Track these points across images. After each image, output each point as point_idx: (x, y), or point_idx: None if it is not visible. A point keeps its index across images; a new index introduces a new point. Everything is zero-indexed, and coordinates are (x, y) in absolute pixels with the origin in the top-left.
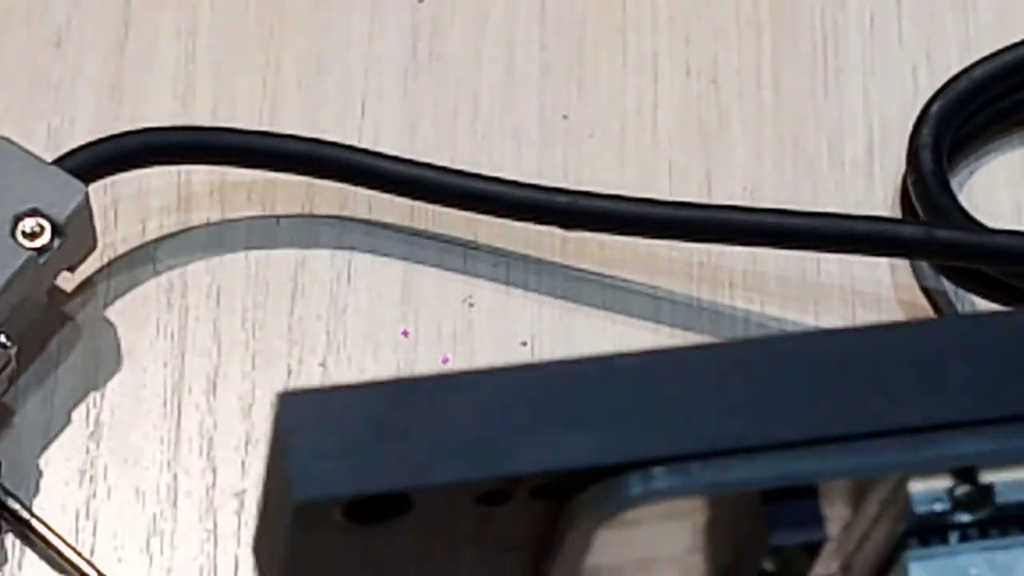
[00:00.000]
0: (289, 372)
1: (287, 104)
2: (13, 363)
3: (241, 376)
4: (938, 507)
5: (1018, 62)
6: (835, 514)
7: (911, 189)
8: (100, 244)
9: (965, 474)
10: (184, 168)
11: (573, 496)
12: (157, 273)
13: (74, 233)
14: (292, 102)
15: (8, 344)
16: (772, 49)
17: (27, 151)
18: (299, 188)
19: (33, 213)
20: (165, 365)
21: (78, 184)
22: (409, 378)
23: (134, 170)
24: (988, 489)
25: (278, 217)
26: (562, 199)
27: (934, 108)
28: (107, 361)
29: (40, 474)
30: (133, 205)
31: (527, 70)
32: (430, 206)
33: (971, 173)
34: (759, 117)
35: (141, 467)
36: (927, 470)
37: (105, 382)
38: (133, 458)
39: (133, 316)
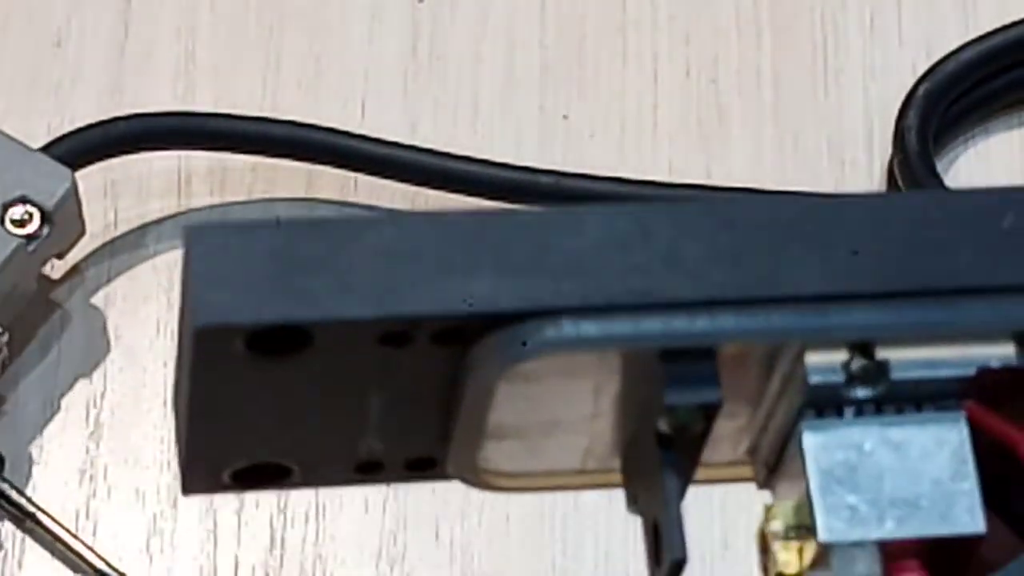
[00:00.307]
0: None
1: (287, 104)
2: (4, 351)
3: None
4: (833, 379)
5: (1006, 45)
6: (739, 388)
7: (896, 170)
8: (97, 230)
9: (861, 348)
10: (183, 153)
11: (474, 344)
12: (154, 260)
13: (62, 220)
14: (292, 102)
15: (3, 337)
16: (772, 49)
17: (13, 138)
18: (300, 174)
19: (21, 201)
20: (165, 365)
21: (65, 171)
22: (317, 219)
23: (122, 156)
24: (883, 365)
25: (277, 200)
26: (545, 180)
27: (920, 90)
28: (97, 348)
29: (32, 463)
30: (128, 190)
31: (527, 70)
32: (432, 192)
33: (958, 155)
34: (759, 117)
35: (141, 467)
36: (823, 341)
37: (95, 369)
38: (133, 458)
39: (128, 304)
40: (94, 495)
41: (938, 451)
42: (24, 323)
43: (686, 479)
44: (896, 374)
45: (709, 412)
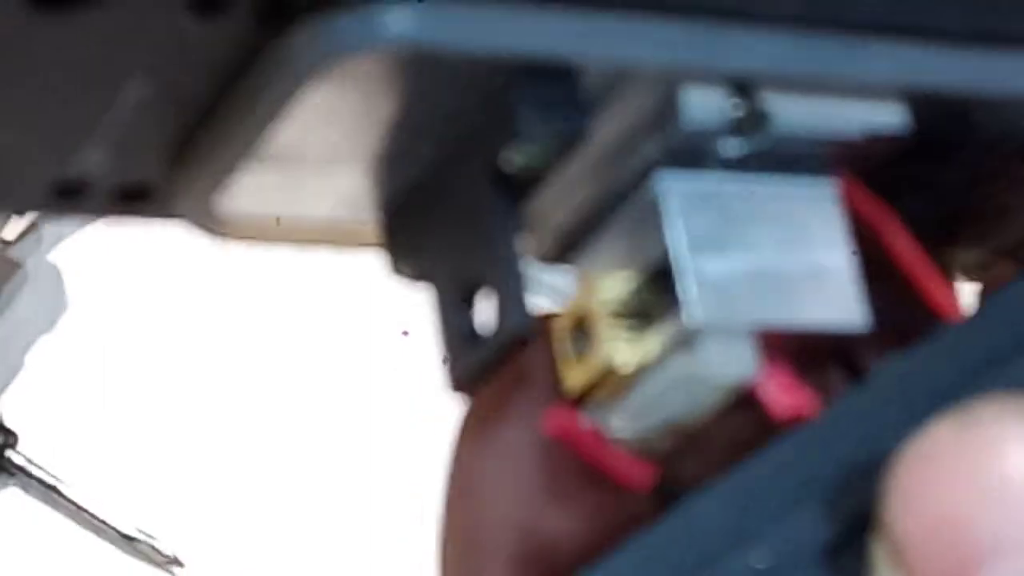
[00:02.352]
0: None
1: None
2: None
3: None
4: (708, 123)
5: None
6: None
7: None
8: None
9: (743, 89)
10: None
11: (298, 25)
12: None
13: None
14: None
15: None
16: None
17: None
18: None
19: None
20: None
21: None
22: None
23: None
24: (763, 114)
25: None
26: None
27: None
28: (56, 304)
29: None
30: None
31: None
32: None
33: None
34: None
35: None
36: (700, 74)
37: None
38: None
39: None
40: None
41: (813, 224)
42: None
43: (518, 231)
44: (778, 125)
45: (564, 146)
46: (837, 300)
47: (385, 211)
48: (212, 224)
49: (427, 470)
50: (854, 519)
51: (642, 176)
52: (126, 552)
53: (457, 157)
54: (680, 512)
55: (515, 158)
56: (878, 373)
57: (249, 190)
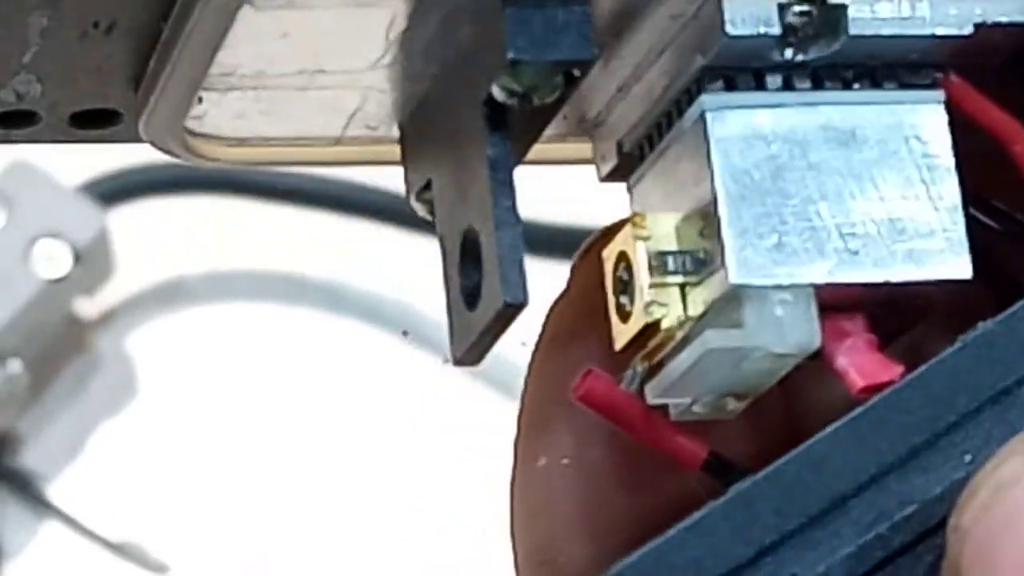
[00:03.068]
0: None
1: None
2: (23, 390)
3: None
4: (761, 31)
5: None
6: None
7: None
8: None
9: None
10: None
11: None
12: (190, 310)
13: (92, 260)
14: None
15: (20, 371)
16: None
17: (49, 176)
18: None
19: (52, 237)
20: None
21: (98, 211)
22: None
23: (157, 199)
24: (836, 12)
25: None
26: None
27: None
28: (126, 391)
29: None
30: (163, 235)
31: None
32: None
33: None
34: None
35: None
36: None
37: (119, 411)
38: None
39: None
40: None
41: (906, 150)
42: (50, 360)
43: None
44: (855, 28)
45: (572, 74)
46: (935, 247)
47: (401, 129)
48: (190, 149)
49: (426, 478)
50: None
51: (688, 98)
52: (115, 555)
53: (455, 80)
54: (733, 502)
55: (509, 89)
56: (975, 339)
57: (222, 113)
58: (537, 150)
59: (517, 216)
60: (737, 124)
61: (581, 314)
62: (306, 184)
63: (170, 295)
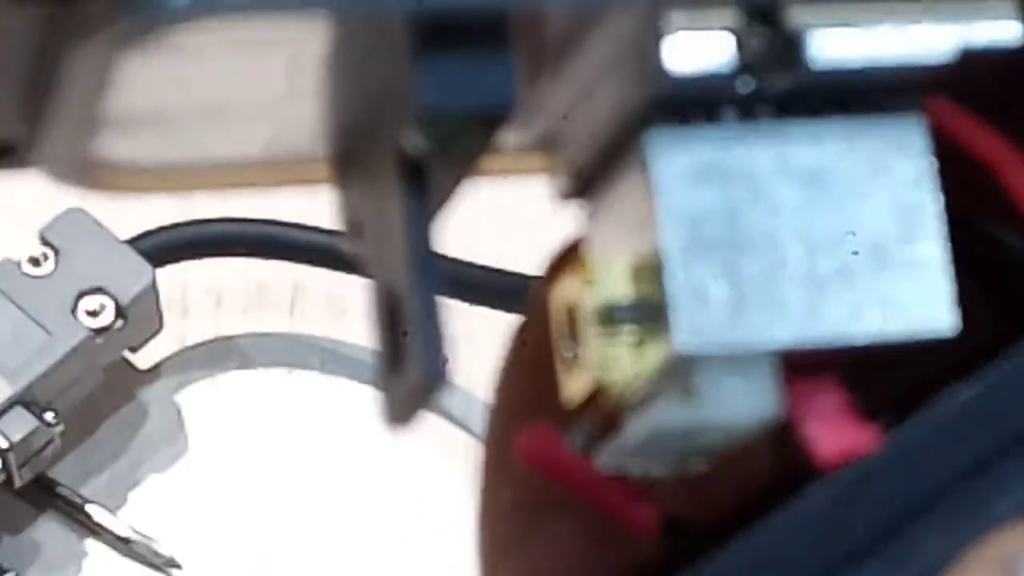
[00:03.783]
0: None
1: None
2: (57, 441)
3: None
4: (711, 68)
5: None
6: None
7: None
8: (179, 328)
9: (761, 12)
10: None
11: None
12: (239, 372)
13: (137, 315)
14: None
15: (54, 422)
16: None
17: (101, 225)
18: None
19: (98, 291)
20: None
21: (147, 266)
22: None
23: (207, 258)
24: (795, 41)
25: None
26: None
27: None
28: (172, 446)
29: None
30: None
31: None
32: None
33: None
34: None
35: None
36: None
37: (167, 467)
38: None
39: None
40: None
41: (882, 188)
42: (89, 413)
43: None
44: (819, 58)
45: (492, 121)
46: (916, 298)
47: (331, 153)
48: (96, 180)
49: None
50: None
51: (633, 130)
52: (122, 553)
53: (372, 116)
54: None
55: (421, 140)
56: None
57: (128, 145)
58: (497, 161)
59: (434, 280)
60: (686, 162)
61: (547, 335)
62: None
63: (220, 355)
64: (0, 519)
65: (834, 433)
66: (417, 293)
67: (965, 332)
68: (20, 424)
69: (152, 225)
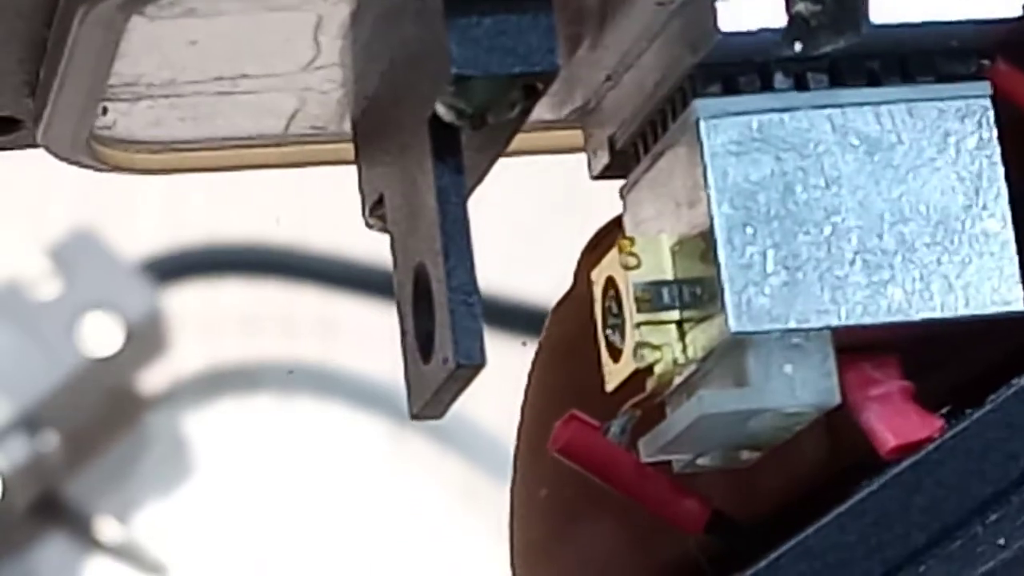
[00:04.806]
0: None
1: None
2: (57, 461)
3: None
4: (766, 24)
5: None
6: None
7: None
8: (187, 352)
9: None
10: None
11: None
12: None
13: (143, 337)
14: None
15: (54, 443)
16: None
17: (108, 246)
18: None
19: (103, 312)
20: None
21: (153, 289)
22: None
23: (219, 280)
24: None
25: None
26: None
27: None
28: (175, 468)
29: None
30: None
31: None
32: None
33: None
34: None
35: None
36: None
37: (172, 492)
38: None
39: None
40: None
41: (945, 158)
42: (93, 434)
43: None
44: (878, 16)
45: (532, 88)
46: (984, 272)
47: (354, 126)
48: (89, 158)
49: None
50: None
51: (682, 98)
52: (111, 557)
53: (401, 83)
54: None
55: (457, 108)
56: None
57: (136, 120)
58: (522, 139)
59: (470, 257)
60: (738, 133)
61: (588, 318)
62: (374, 274)
63: (226, 379)
64: (1, 540)
65: (897, 422)
66: (454, 272)
67: None
68: (19, 445)
69: (163, 245)
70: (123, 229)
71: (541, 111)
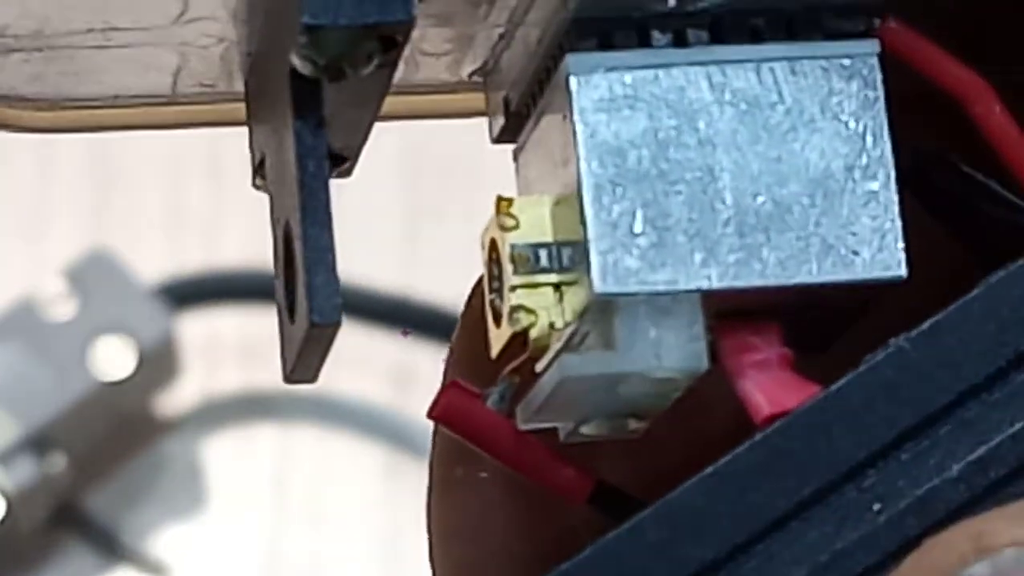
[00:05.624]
0: None
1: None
2: (66, 483)
3: None
4: None
5: None
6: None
7: None
8: (200, 377)
9: None
10: None
11: None
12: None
13: (155, 362)
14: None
15: (63, 465)
16: None
17: (126, 270)
18: None
19: (116, 335)
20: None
21: (167, 313)
22: None
23: (233, 306)
24: None
25: None
26: None
27: None
28: (191, 496)
29: None
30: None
31: None
32: None
33: None
34: None
35: None
36: None
37: (184, 515)
38: None
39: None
40: None
41: (827, 118)
42: (106, 457)
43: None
44: None
45: (391, 39)
46: (862, 237)
47: (245, 86)
48: None
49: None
50: None
51: (560, 55)
52: (111, 558)
53: (268, 38)
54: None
55: (312, 60)
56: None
57: (15, 75)
58: (428, 101)
59: (328, 214)
60: (609, 89)
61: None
62: (383, 304)
63: (238, 405)
64: (7, 559)
65: (773, 390)
66: (311, 229)
67: (923, 276)
68: (29, 466)
69: (178, 270)
70: (138, 253)
71: (438, 71)
